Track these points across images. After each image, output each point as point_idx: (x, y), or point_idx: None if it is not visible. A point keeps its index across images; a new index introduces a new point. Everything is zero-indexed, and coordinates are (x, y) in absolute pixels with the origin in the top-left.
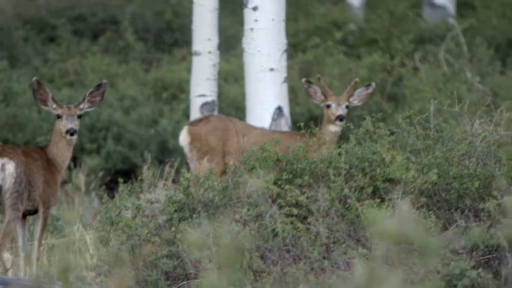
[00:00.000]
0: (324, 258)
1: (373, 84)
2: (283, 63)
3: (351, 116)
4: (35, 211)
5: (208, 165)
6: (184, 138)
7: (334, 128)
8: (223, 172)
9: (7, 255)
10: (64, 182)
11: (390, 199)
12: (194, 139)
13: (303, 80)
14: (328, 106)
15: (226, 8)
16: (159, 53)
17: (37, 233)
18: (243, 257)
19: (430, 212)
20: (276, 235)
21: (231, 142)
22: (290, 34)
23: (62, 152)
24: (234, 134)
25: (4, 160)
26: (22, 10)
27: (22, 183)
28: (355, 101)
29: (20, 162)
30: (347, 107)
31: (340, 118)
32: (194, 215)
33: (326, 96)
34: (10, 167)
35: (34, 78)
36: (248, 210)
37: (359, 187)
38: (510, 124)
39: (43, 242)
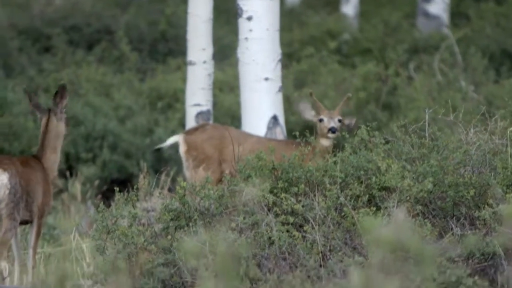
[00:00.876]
0: (320, 266)
1: (355, 118)
2: (278, 72)
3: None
4: (31, 221)
5: (204, 173)
6: (180, 147)
7: (326, 143)
8: (219, 180)
9: (4, 264)
10: (60, 191)
11: (385, 207)
12: (190, 147)
13: (294, 96)
14: (321, 120)
15: (221, 18)
16: (154, 63)
17: (32, 241)
18: (239, 265)
19: (426, 220)
20: (272, 243)
21: (227, 150)
22: (285, 43)
23: (57, 158)
24: (230, 143)
25: None
26: (17, 20)
27: (17, 194)
28: (347, 120)
29: (16, 173)
30: (339, 120)
31: (332, 130)
32: (191, 224)
33: (318, 111)
34: (4, 178)
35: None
36: (244, 218)
37: (354, 196)
38: (505, 132)
39: (38, 250)
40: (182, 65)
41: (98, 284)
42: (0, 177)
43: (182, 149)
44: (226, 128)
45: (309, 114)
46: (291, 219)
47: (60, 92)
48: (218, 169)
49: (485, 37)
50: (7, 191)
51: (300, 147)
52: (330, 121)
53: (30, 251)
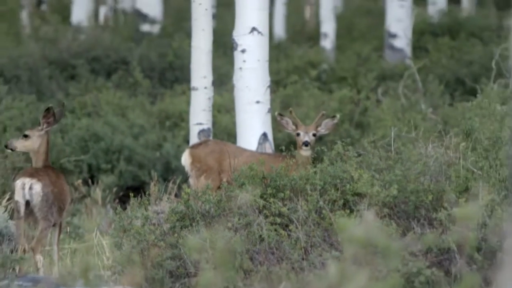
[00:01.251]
0: (303, 259)
1: (338, 116)
2: (267, 96)
3: (325, 141)
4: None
5: (206, 181)
6: (186, 159)
7: (304, 153)
8: (218, 188)
9: (39, 257)
10: (84, 197)
11: (358, 210)
12: (195, 160)
13: (276, 113)
14: (298, 135)
15: (219, 50)
16: (163, 89)
17: (56, 239)
18: (235, 259)
19: (392, 221)
20: (262, 240)
21: (225, 162)
22: (273, 72)
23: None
24: (228, 156)
25: (33, 181)
26: (48, 53)
27: (49, 200)
28: (323, 130)
29: (49, 183)
30: (314, 135)
31: (305, 144)
32: (194, 224)
33: (297, 126)
34: (37, 187)
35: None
36: (239, 219)
37: (332, 200)
38: (458, 147)
39: (65, 246)
40: (187, 90)
41: (116, 275)
42: (34, 186)
43: (187, 161)
44: (225, 144)
45: (290, 128)
46: (278, 220)
47: (48, 113)
48: (217, 178)
49: (441, 67)
50: (39, 198)
51: (285, 159)
52: (305, 135)
53: (55, 247)
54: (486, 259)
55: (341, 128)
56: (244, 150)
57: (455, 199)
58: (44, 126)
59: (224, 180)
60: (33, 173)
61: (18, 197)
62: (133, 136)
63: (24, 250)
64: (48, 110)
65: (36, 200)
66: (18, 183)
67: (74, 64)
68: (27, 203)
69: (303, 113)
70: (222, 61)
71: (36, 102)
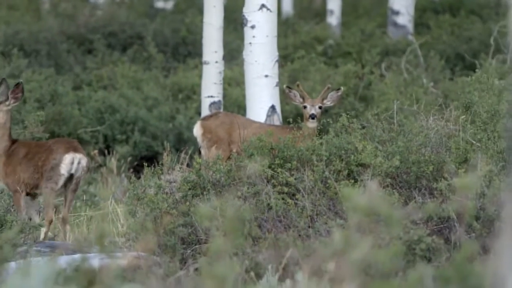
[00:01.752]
0: (309, 227)
1: (342, 88)
2: (276, 71)
3: (330, 114)
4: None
5: (216, 152)
6: (197, 130)
7: (311, 125)
8: (228, 158)
9: (68, 227)
10: (100, 166)
11: (362, 180)
12: (206, 131)
13: (284, 86)
14: (305, 107)
15: (230, 26)
16: (176, 63)
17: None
18: (244, 226)
19: (394, 191)
20: (270, 208)
21: (235, 133)
22: (281, 47)
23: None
24: (237, 127)
25: (81, 155)
26: (66, 28)
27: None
28: (328, 102)
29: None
30: (320, 107)
31: (312, 116)
32: (205, 192)
33: (304, 99)
34: (84, 162)
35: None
36: (248, 188)
37: (337, 170)
38: (458, 120)
39: (82, 213)
40: (199, 64)
41: (130, 241)
42: (82, 161)
43: (198, 132)
44: (235, 116)
45: (297, 100)
46: (285, 189)
47: (17, 88)
48: (227, 148)
49: (442, 43)
50: (83, 172)
51: (293, 131)
52: (311, 108)
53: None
54: (484, 227)
55: (346, 101)
56: (253, 122)
57: (454, 170)
58: (12, 102)
59: (234, 150)
60: (77, 148)
61: (64, 170)
62: (147, 108)
63: (51, 221)
64: (17, 85)
65: (81, 173)
66: (67, 157)
67: (91, 39)
68: (70, 176)
69: (310, 86)
70: (233, 37)
71: (55, 75)
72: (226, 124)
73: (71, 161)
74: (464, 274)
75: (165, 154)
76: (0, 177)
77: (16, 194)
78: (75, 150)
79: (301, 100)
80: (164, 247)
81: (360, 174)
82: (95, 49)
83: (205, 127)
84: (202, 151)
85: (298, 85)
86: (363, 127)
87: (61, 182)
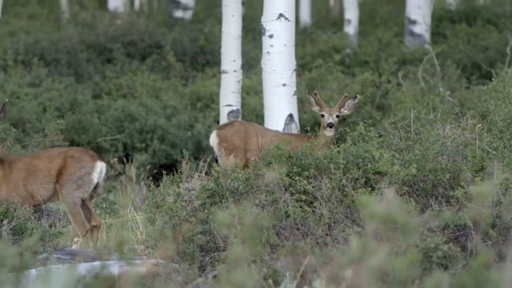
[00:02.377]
0: (326, 234)
1: (358, 96)
2: (293, 79)
3: (348, 122)
4: None
5: (234, 160)
6: (213, 140)
7: (328, 133)
8: (245, 166)
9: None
10: (119, 174)
11: (379, 188)
12: (222, 140)
13: (306, 92)
14: (322, 116)
15: (248, 36)
16: (194, 72)
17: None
18: (262, 234)
19: (411, 198)
20: (288, 216)
21: (251, 141)
22: (299, 56)
23: None
24: (253, 135)
25: (102, 164)
26: (85, 38)
27: None
28: (345, 110)
29: None
30: (337, 116)
31: (329, 125)
32: (223, 200)
33: (321, 107)
34: (104, 170)
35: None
36: (266, 196)
37: (354, 178)
38: (474, 128)
39: (102, 221)
40: (217, 73)
41: (149, 248)
42: (103, 169)
43: (214, 142)
44: (250, 124)
45: (315, 108)
46: (303, 197)
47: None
48: (243, 156)
49: (458, 52)
50: (102, 179)
51: (310, 139)
52: (329, 117)
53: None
54: (501, 235)
55: (363, 110)
56: (269, 130)
57: (471, 178)
58: None
59: (252, 158)
60: (100, 157)
61: (96, 179)
62: (166, 117)
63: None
64: (3, 105)
65: (102, 181)
66: (99, 166)
67: (111, 48)
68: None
69: (327, 95)
70: (251, 46)
71: (74, 84)
72: (241, 132)
73: (100, 170)
74: (480, 282)
75: (183, 162)
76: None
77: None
78: (100, 159)
79: (318, 108)
80: (183, 254)
81: (377, 182)
82: (115, 58)
83: (220, 136)
84: (219, 160)
85: (315, 94)
86: (380, 136)
87: (90, 189)
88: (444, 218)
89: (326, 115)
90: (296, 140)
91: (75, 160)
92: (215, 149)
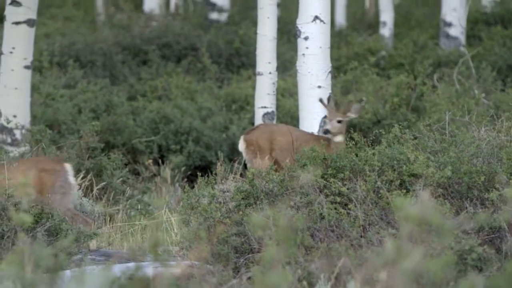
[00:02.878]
0: (361, 236)
1: (364, 99)
2: (328, 82)
3: (383, 124)
4: None
5: (267, 162)
6: (241, 145)
7: (335, 139)
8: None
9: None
10: (154, 175)
11: (413, 190)
12: (248, 144)
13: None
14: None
15: (283, 38)
16: (230, 74)
17: None
18: (296, 236)
19: (446, 201)
20: (323, 218)
21: (275, 141)
22: (334, 58)
23: None
24: (277, 135)
25: (68, 165)
26: (121, 39)
27: None
28: (352, 114)
29: None
30: (339, 121)
31: (325, 132)
32: (258, 202)
33: (329, 113)
34: (71, 169)
35: None
36: (301, 198)
37: (389, 180)
38: (509, 131)
39: (136, 222)
40: (252, 75)
41: (184, 250)
42: (70, 168)
43: (242, 147)
44: (275, 125)
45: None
46: (338, 199)
47: None
48: (270, 157)
49: (494, 55)
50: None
51: (321, 141)
52: (328, 123)
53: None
54: None
55: (398, 112)
56: (295, 130)
57: (506, 180)
58: None
59: (287, 160)
60: (65, 159)
61: (73, 180)
62: (201, 119)
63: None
64: None
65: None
66: (68, 168)
67: (146, 50)
68: None
69: (364, 98)
70: (286, 48)
71: (110, 86)
72: (266, 133)
73: (71, 170)
74: None
75: (218, 164)
76: None
77: None
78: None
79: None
80: (217, 256)
81: (412, 184)
82: (150, 60)
83: (247, 141)
84: (248, 164)
85: (320, 100)
86: (415, 138)
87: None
88: (479, 220)
89: (327, 121)
90: (312, 142)
91: (48, 173)
92: (244, 154)
